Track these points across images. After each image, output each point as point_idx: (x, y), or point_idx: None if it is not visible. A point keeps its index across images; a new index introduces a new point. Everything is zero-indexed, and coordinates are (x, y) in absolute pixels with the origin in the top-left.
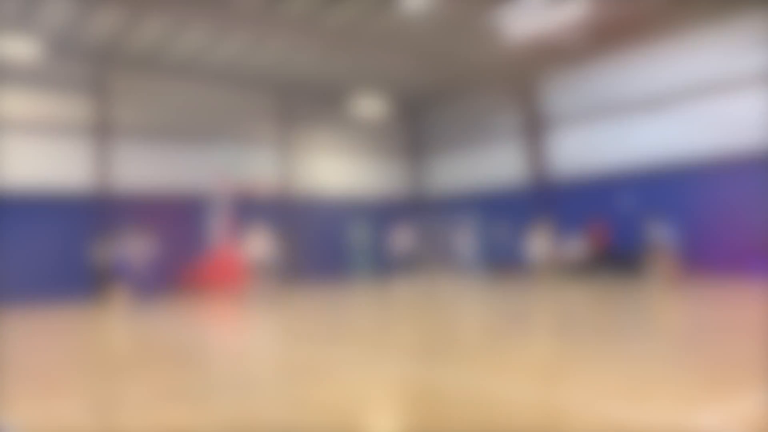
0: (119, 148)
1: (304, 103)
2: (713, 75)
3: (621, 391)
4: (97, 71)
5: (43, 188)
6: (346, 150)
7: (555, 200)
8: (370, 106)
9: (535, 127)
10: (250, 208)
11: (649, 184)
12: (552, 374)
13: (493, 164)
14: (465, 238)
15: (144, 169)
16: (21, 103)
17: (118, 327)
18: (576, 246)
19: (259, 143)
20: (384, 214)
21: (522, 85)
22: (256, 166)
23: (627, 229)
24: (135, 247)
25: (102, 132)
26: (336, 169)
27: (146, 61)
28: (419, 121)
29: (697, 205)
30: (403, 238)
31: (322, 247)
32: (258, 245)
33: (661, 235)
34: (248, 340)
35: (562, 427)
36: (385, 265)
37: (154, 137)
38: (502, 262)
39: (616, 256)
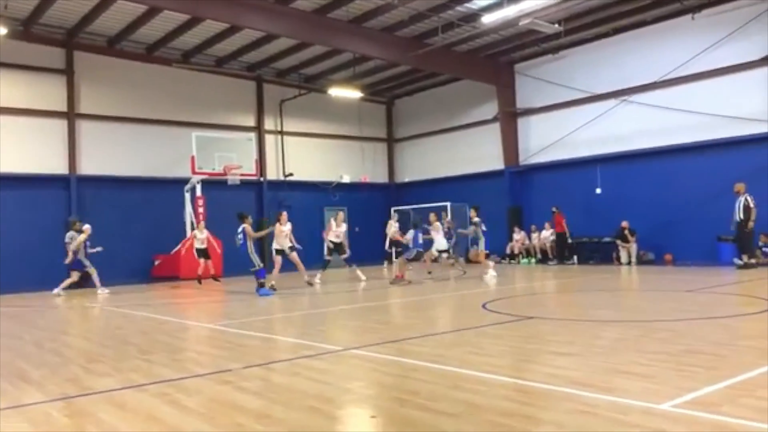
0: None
1: (281, 87)
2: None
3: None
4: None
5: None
6: (324, 134)
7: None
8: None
9: (509, 114)
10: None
11: (615, 171)
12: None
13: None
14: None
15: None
16: None
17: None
18: (545, 234)
19: (237, 128)
20: (364, 200)
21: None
22: (233, 152)
23: (597, 216)
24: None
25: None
26: (314, 154)
27: (116, 44)
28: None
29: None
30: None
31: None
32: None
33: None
34: None
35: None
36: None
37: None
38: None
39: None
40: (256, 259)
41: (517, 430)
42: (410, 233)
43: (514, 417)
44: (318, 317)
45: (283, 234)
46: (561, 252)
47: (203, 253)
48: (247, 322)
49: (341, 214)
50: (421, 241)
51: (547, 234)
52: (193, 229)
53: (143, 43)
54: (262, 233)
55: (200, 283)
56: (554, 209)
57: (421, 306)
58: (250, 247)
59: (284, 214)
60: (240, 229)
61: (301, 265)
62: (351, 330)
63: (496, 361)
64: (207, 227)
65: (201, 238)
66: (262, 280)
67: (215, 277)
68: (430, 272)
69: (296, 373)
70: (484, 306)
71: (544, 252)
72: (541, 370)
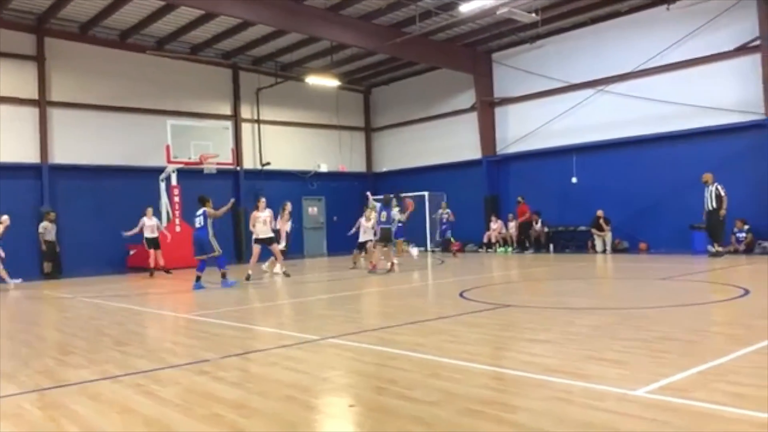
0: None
1: (258, 75)
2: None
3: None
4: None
5: None
6: (302, 123)
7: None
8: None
9: (486, 103)
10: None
11: (590, 160)
12: None
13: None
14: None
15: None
16: None
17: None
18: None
19: (212, 117)
20: (342, 190)
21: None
22: (209, 140)
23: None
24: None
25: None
26: (291, 143)
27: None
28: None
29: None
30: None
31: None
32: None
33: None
34: None
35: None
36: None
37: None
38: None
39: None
40: (216, 244)
41: (493, 417)
42: (377, 207)
43: (490, 404)
44: (295, 307)
45: (260, 220)
46: (523, 242)
47: (153, 242)
48: (224, 312)
49: (288, 206)
50: (384, 219)
51: (510, 225)
52: (169, 219)
53: (116, 30)
54: (223, 209)
55: (152, 275)
56: (519, 199)
57: (399, 295)
58: (211, 231)
59: (263, 200)
60: (200, 212)
61: (280, 256)
62: (329, 319)
63: (473, 349)
64: (183, 217)
65: (150, 225)
66: (224, 270)
67: (166, 269)
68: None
69: (274, 363)
70: (461, 294)
71: (521, 241)
72: (517, 357)
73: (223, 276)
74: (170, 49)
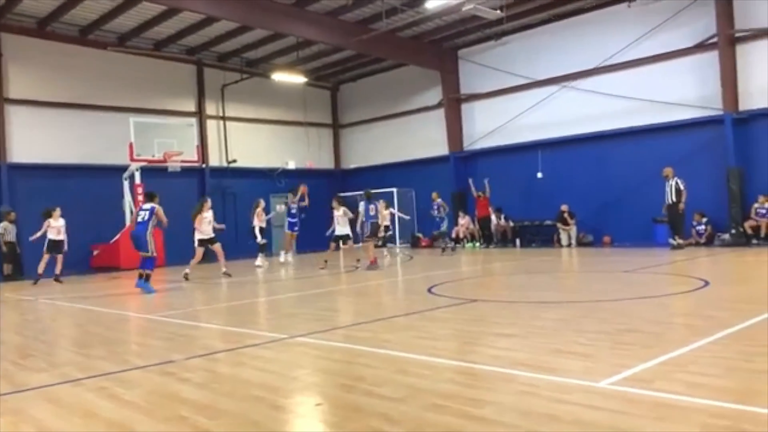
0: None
1: (223, 72)
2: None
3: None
4: None
5: None
6: (269, 119)
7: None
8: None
9: (453, 100)
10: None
11: (555, 155)
12: None
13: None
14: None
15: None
16: None
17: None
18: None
19: (177, 114)
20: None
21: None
22: (173, 138)
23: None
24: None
25: None
26: (258, 140)
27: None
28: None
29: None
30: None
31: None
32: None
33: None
34: None
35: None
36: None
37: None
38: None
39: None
40: (152, 245)
41: (459, 412)
42: (361, 206)
43: (457, 399)
44: (263, 305)
45: (206, 221)
46: (489, 237)
47: (55, 246)
48: (190, 312)
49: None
50: (373, 213)
51: (464, 222)
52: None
53: (77, 26)
54: (165, 219)
55: (35, 283)
56: (480, 194)
57: (367, 292)
58: (151, 229)
59: (208, 201)
60: (148, 207)
61: (222, 257)
62: (297, 317)
63: (440, 344)
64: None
65: (56, 227)
66: (149, 272)
67: (57, 278)
68: (358, 259)
69: (241, 363)
70: (429, 290)
71: (489, 236)
72: (484, 352)
73: (147, 278)
74: (133, 45)
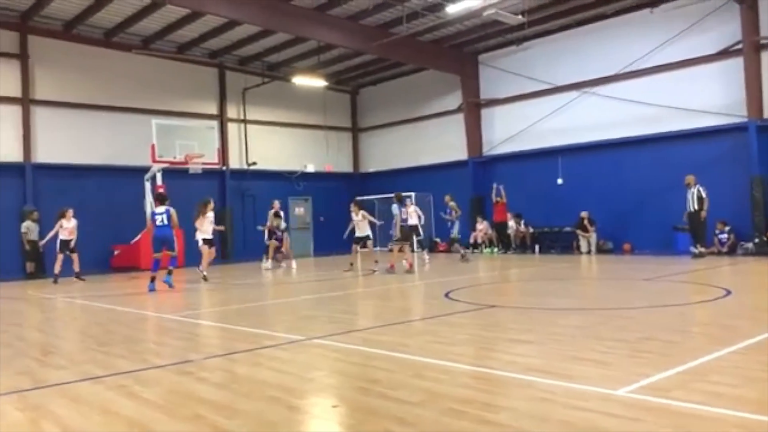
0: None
1: (244, 75)
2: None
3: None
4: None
5: None
6: (289, 123)
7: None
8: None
9: (473, 105)
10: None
11: (576, 162)
12: None
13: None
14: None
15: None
16: None
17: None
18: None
19: (198, 116)
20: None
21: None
22: (195, 140)
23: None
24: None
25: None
26: (278, 143)
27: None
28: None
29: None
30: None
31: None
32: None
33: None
34: None
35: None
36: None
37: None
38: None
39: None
40: (176, 244)
41: (475, 417)
42: (394, 209)
43: (473, 404)
44: (280, 307)
45: (207, 221)
46: (507, 242)
47: (66, 246)
48: (208, 312)
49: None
50: (405, 216)
51: (482, 227)
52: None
53: (101, 28)
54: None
55: (55, 282)
56: (497, 199)
57: (384, 295)
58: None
59: (211, 202)
60: (163, 210)
61: (207, 258)
62: (314, 320)
63: (457, 349)
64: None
65: (68, 227)
66: (173, 268)
67: (78, 276)
68: (376, 261)
69: (258, 364)
70: (446, 295)
71: (508, 242)
72: (500, 357)
73: (170, 273)
74: (156, 48)
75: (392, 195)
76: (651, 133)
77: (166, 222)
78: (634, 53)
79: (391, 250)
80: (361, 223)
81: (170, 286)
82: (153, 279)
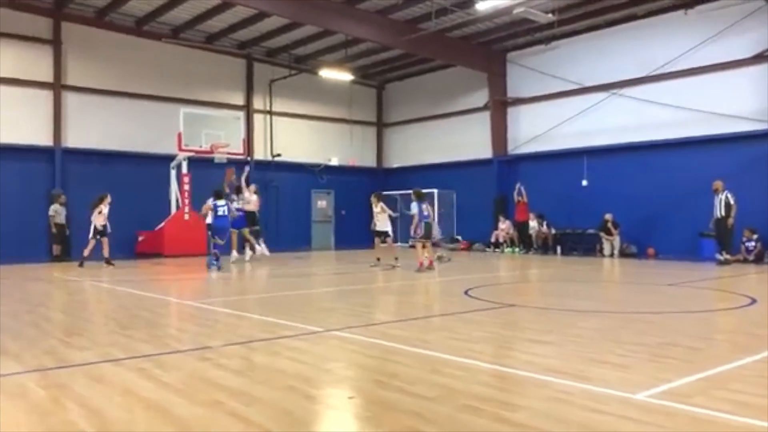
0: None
1: (272, 67)
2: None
3: None
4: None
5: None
6: (314, 116)
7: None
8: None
9: (499, 103)
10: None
11: (601, 163)
12: None
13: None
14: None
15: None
16: None
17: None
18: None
19: (225, 106)
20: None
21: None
22: (221, 130)
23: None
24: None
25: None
26: (302, 136)
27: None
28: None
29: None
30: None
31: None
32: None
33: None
34: None
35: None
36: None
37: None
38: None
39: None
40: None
41: (492, 415)
42: (414, 206)
43: (490, 402)
44: (300, 298)
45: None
46: (528, 243)
47: (102, 231)
48: (229, 300)
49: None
50: (426, 213)
51: (504, 226)
52: (179, 207)
53: (133, 16)
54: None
55: (81, 265)
56: (519, 198)
57: (403, 291)
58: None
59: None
60: (224, 203)
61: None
62: (332, 312)
63: (475, 346)
64: (192, 206)
65: (105, 213)
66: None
67: (108, 261)
68: (396, 258)
69: (276, 353)
70: (466, 293)
71: (529, 242)
72: (519, 357)
73: (217, 258)
74: (186, 37)
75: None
76: (680, 137)
77: (226, 213)
78: (665, 55)
79: (413, 247)
80: (381, 216)
81: (219, 269)
82: (218, 257)
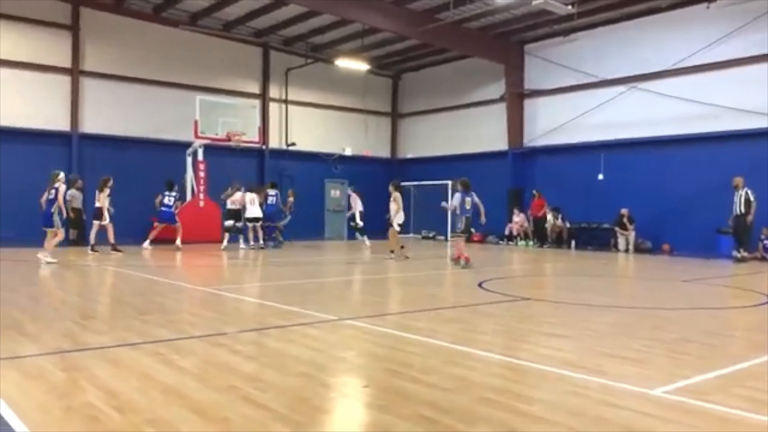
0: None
1: (288, 55)
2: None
3: None
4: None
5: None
6: (329, 105)
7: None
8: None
9: (516, 95)
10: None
11: (618, 158)
12: None
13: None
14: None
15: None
16: None
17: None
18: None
19: (241, 95)
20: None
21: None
22: (236, 118)
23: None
24: None
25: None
26: (317, 125)
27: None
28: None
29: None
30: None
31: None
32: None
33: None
34: None
35: None
36: None
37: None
38: None
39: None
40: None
41: (508, 407)
42: (456, 197)
43: (506, 394)
44: (315, 287)
45: (248, 200)
46: (543, 236)
47: (99, 214)
48: (245, 287)
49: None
50: (469, 206)
51: (518, 219)
52: (194, 194)
53: (151, 2)
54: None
55: (92, 250)
56: (535, 192)
57: (417, 282)
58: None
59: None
60: (274, 193)
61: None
62: (347, 301)
63: (490, 338)
64: (208, 193)
65: (103, 197)
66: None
67: (115, 247)
68: (402, 246)
69: (290, 340)
70: (480, 285)
71: (544, 236)
72: (534, 350)
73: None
74: (203, 24)
75: (429, 182)
76: (699, 132)
77: (274, 202)
78: (686, 49)
79: (453, 239)
80: (392, 205)
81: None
82: (273, 239)
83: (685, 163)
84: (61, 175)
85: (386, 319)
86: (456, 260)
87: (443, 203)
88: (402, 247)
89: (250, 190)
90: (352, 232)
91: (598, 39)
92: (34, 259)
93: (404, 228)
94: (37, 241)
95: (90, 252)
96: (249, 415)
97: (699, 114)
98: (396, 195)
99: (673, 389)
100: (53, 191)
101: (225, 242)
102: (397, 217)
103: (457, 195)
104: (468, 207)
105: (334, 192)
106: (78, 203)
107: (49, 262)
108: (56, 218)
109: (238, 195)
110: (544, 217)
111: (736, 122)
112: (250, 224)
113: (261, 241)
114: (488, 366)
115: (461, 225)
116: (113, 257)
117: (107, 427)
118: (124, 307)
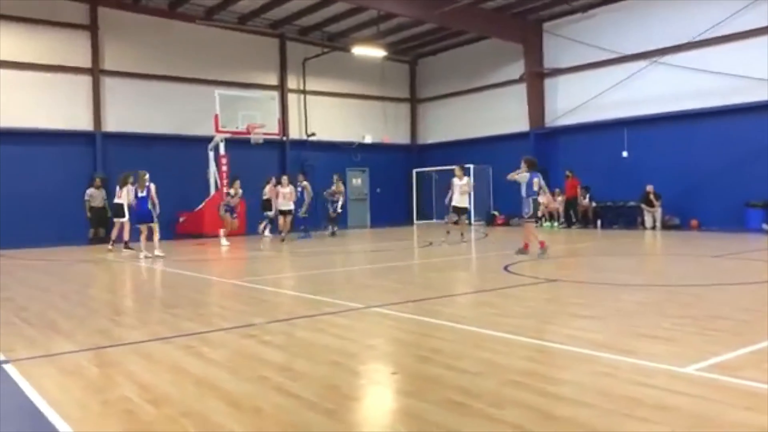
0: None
1: (304, 46)
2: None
3: None
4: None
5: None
6: (347, 93)
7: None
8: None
9: (535, 74)
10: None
11: (642, 134)
12: None
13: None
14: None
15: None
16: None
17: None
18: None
19: (259, 87)
20: (386, 162)
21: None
22: (256, 111)
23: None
24: None
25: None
26: (336, 114)
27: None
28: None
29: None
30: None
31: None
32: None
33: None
34: None
35: None
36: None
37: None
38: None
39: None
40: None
41: (537, 389)
42: (526, 176)
43: (534, 376)
44: (341, 276)
45: (282, 194)
46: (570, 216)
47: (121, 212)
48: (271, 278)
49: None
50: (536, 188)
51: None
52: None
53: None
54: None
55: (113, 246)
56: (568, 173)
57: (443, 267)
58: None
59: (285, 177)
60: (301, 186)
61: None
62: (373, 289)
63: (517, 321)
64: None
65: (124, 194)
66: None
67: (127, 244)
68: (448, 232)
69: (319, 329)
70: (506, 268)
71: (570, 216)
72: (561, 331)
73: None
74: (218, 18)
75: (453, 167)
76: (723, 105)
77: (300, 194)
78: (708, 21)
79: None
80: (463, 189)
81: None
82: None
83: (711, 137)
84: (147, 174)
85: (413, 306)
86: (524, 250)
87: (509, 175)
88: (447, 232)
89: (281, 183)
90: (375, 219)
91: (617, 13)
92: (61, 258)
93: (438, 214)
94: (68, 240)
95: (123, 250)
96: (281, 404)
97: (723, 86)
98: (468, 180)
99: (704, 366)
100: (145, 189)
101: (266, 232)
102: (460, 201)
103: (526, 175)
104: (535, 189)
105: (356, 180)
106: (97, 202)
107: (157, 256)
108: (154, 213)
109: (268, 187)
110: (576, 197)
111: (762, 93)
112: (281, 216)
113: (283, 233)
114: (516, 349)
115: (528, 209)
116: (141, 255)
117: (144, 421)
118: (154, 302)
